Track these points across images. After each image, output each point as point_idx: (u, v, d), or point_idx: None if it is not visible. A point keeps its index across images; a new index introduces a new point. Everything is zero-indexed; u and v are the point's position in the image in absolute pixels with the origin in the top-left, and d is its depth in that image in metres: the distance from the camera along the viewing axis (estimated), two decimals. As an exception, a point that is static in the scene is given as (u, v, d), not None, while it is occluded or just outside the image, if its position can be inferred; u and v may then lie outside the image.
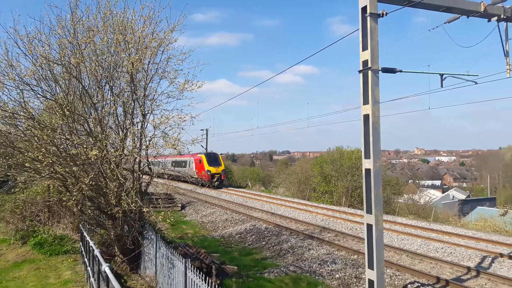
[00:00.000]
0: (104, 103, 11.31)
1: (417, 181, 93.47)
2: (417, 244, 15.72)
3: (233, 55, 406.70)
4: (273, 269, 12.89)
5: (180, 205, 28.59)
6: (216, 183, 37.36)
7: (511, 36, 10.33)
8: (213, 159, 42.64)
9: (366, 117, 8.96)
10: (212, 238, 18.83)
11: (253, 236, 18.30)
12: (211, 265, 11.33)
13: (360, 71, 9.05)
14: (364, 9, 8.90)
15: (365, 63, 8.92)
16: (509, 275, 11.59)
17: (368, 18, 8.77)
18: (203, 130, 47.70)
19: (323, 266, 13.01)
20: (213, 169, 41.02)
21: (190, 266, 7.34)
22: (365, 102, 8.97)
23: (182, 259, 7.81)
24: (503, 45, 10.20)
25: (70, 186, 10.58)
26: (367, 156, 8.98)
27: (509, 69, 10.20)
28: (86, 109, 11.35)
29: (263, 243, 17.10)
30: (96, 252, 8.68)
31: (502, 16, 9.96)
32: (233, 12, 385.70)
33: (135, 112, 11.46)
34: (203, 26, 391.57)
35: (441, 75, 10.30)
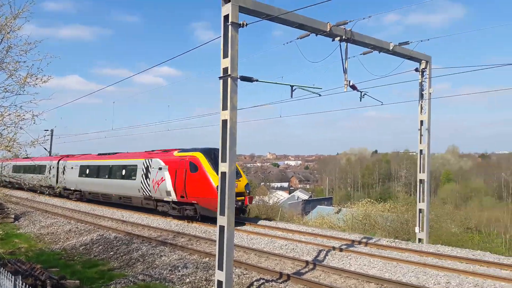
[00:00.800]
0: None
1: (268, 183, 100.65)
2: (264, 243, 16.74)
3: (88, 50, 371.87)
4: (120, 280, 12.13)
5: (13, 216, 24.75)
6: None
7: (350, 55, 11.95)
8: None
9: (224, 122, 9.18)
10: (51, 252, 16.76)
11: (100, 247, 16.96)
12: (46, 281, 10.13)
13: (220, 78, 9.25)
14: (226, 17, 9.14)
15: (225, 70, 9.16)
16: (338, 266, 13.23)
17: (230, 26, 9.04)
18: (47, 130, 42.17)
19: (174, 271, 12.79)
20: None
21: (21, 284, 6.40)
22: (224, 107, 9.20)
23: (12, 277, 6.75)
24: (343, 63, 11.70)
25: None
26: (223, 159, 9.20)
27: (346, 84, 11.76)
28: None
29: (111, 253, 15.99)
30: None
31: (343, 37, 11.40)
32: (90, 4, 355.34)
33: (-38, 107, 9.61)
34: (55, 16, 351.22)
35: (291, 86, 11.14)
